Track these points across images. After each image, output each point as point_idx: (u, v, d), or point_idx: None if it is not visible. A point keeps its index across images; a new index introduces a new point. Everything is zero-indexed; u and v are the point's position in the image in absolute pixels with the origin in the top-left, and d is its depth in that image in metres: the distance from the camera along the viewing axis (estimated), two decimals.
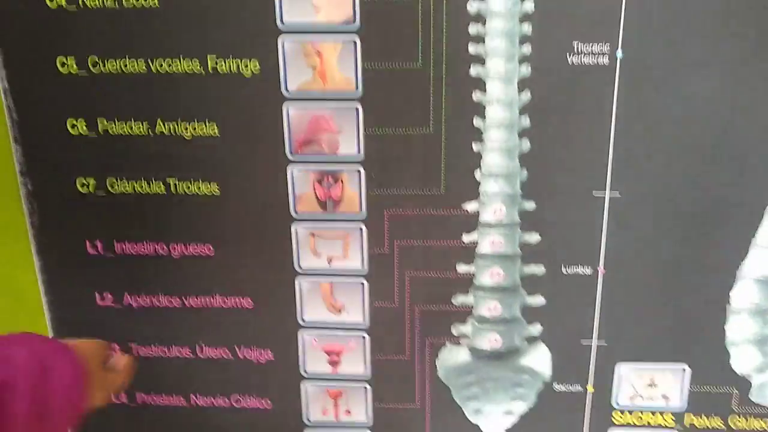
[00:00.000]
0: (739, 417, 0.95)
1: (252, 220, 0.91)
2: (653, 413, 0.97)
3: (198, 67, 0.85)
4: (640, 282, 0.90)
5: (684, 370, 0.94)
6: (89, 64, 0.86)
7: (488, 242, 0.90)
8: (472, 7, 0.81)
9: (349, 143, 0.87)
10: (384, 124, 0.86)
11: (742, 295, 0.90)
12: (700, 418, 0.96)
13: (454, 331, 0.95)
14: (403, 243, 0.91)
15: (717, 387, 0.94)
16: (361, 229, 0.91)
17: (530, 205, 0.88)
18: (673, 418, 0.97)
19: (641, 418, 0.97)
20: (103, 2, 0.83)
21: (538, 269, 0.91)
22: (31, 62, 0.86)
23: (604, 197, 0.87)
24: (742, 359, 0.92)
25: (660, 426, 0.97)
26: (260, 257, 0.93)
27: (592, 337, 0.93)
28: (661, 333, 0.92)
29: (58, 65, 0.86)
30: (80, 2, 0.83)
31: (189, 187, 0.90)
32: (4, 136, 0.89)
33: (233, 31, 0.84)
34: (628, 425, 0.98)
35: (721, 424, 0.96)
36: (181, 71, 0.85)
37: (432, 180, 0.88)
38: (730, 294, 0.90)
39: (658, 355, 0.94)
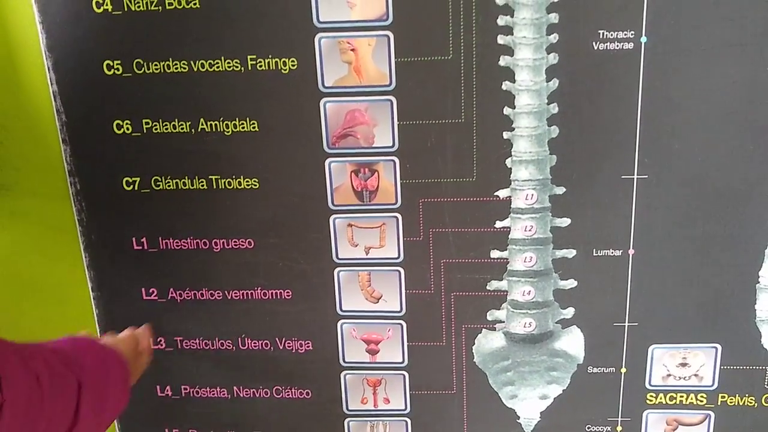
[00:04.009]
0: None
1: (291, 212, 0.95)
2: (686, 393, 0.99)
3: (238, 66, 0.89)
4: (670, 263, 0.92)
5: (716, 349, 0.96)
6: (134, 66, 0.90)
7: (520, 228, 0.92)
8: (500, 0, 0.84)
9: (384, 135, 0.90)
10: (417, 115, 0.89)
11: None
12: (733, 396, 0.98)
13: (489, 317, 0.97)
14: (437, 231, 0.94)
15: (749, 366, 0.96)
16: (396, 218, 0.94)
17: (560, 190, 0.91)
18: (706, 397, 0.98)
19: (674, 397, 0.99)
20: (146, 5, 0.87)
21: (569, 253, 0.93)
22: (78, 66, 0.91)
23: (633, 180, 0.89)
24: None
25: (693, 405, 0.99)
26: (299, 249, 0.96)
27: (624, 319, 0.95)
28: (692, 313, 0.94)
29: (105, 68, 0.90)
30: (125, 6, 0.87)
31: (230, 183, 0.94)
32: (54, 138, 0.93)
33: (271, 31, 0.87)
34: (662, 405, 0.99)
35: (754, 402, 0.98)
36: (222, 70, 0.89)
37: (464, 168, 0.91)
38: (759, 273, 0.92)
39: (689, 335, 0.96)
